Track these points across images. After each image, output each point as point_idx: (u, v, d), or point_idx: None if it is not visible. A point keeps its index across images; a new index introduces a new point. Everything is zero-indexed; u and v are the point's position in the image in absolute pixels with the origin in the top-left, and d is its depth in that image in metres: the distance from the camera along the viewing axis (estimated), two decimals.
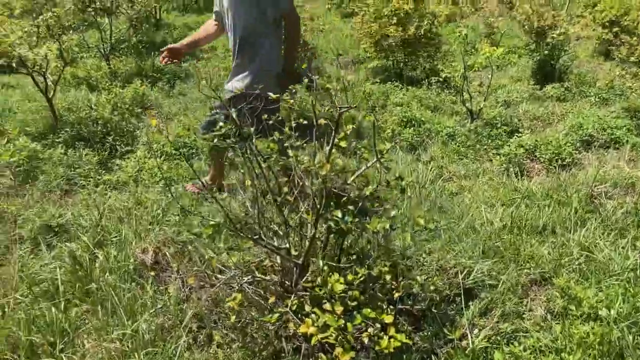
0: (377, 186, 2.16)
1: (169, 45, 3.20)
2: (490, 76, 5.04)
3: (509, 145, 4.49)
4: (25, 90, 5.64)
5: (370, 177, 2.44)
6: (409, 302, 2.48)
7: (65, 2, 6.18)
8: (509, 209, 3.38)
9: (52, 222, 3.10)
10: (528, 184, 3.82)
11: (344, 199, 2.07)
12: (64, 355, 2.00)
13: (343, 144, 2.15)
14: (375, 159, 2.11)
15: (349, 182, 2.11)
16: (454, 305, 2.50)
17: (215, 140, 2.04)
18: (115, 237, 2.88)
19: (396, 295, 2.14)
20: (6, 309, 2.29)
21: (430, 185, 3.75)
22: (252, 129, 2.07)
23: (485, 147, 4.60)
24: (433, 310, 2.40)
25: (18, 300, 2.37)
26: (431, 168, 4.06)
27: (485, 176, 4.06)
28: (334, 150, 2.11)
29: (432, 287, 2.42)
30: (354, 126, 2.31)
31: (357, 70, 7.53)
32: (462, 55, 4.77)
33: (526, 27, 7.17)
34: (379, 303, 2.14)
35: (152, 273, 2.30)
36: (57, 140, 4.29)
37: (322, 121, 2.17)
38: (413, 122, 5.06)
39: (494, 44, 8.57)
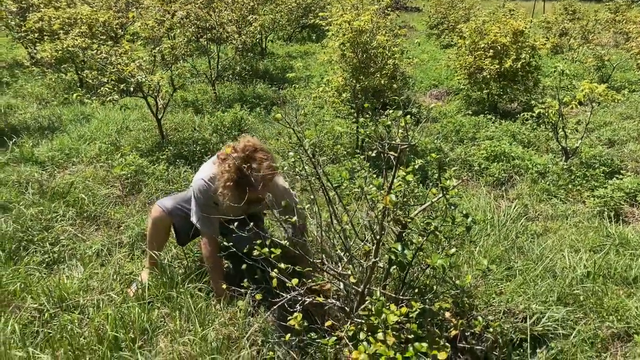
0: (442, 223, 2.17)
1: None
2: (589, 113, 4.76)
3: (606, 187, 4.19)
4: (142, 110, 6.30)
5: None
6: (473, 342, 2.44)
7: (183, 34, 6.85)
8: (595, 256, 3.17)
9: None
10: (622, 230, 3.56)
11: (405, 232, 2.11)
12: (141, 352, 2.23)
13: (409, 177, 2.20)
14: (440, 195, 2.14)
15: (411, 216, 2.15)
16: (520, 350, 2.41)
17: None
18: (199, 250, 3.13)
19: (452, 332, 2.12)
20: (101, 305, 2.59)
21: (512, 224, 3.62)
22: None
23: (578, 187, 4.33)
24: (495, 353, 2.33)
25: (111, 297, 2.68)
26: (515, 206, 3.92)
27: (575, 218, 3.83)
28: (399, 184, 2.17)
29: (497, 329, 2.36)
30: (438, 157, 2.35)
31: (450, 101, 7.46)
32: (557, 91, 4.57)
33: (639, 61, 6.70)
34: (436, 339, 2.13)
35: (224, 285, 2.49)
36: (161, 156, 4.74)
37: (391, 154, 2.24)
38: (502, 157, 4.90)
39: (603, 79, 8.07)
